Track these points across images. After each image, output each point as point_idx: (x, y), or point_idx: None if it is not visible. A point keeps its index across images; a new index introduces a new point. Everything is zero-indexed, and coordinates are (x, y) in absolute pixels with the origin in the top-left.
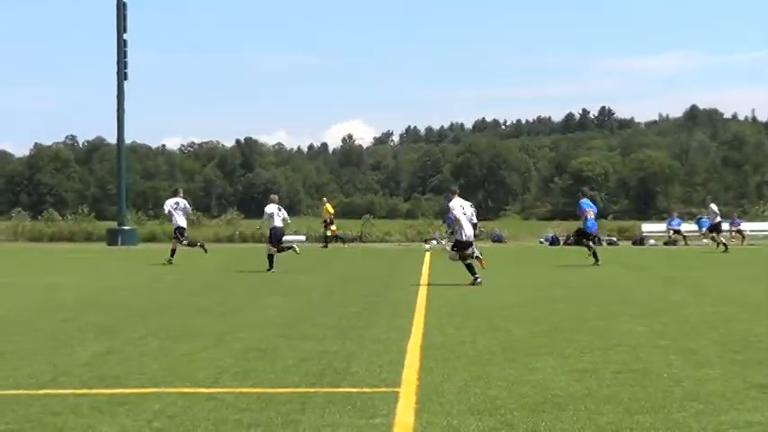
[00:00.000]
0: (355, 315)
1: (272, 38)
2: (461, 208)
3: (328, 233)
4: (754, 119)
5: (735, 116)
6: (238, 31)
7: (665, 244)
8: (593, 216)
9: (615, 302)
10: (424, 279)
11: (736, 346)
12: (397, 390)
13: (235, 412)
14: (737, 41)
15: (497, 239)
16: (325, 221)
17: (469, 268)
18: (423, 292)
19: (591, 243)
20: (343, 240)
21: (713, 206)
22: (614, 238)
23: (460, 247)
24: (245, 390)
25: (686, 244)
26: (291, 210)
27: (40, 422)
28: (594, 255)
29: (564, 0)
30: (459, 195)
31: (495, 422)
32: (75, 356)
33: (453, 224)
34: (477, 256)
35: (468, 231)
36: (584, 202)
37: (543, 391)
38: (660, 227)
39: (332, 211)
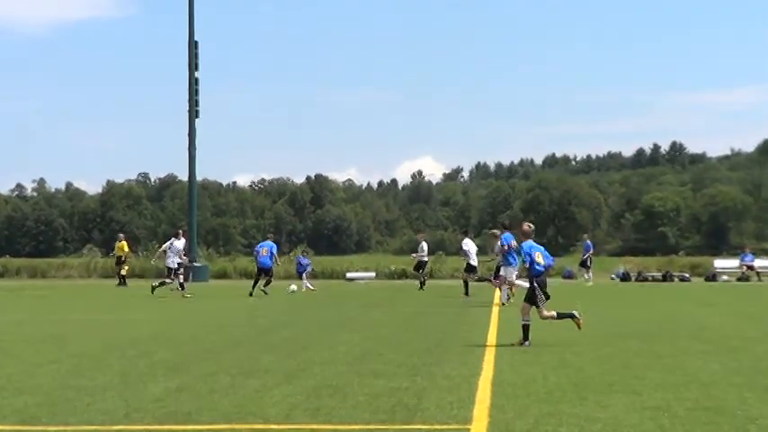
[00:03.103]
0: (425, 351)
1: (343, 74)
2: None
3: (123, 272)
4: None
5: None
6: (309, 67)
7: (738, 280)
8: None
9: (687, 339)
10: (495, 316)
11: None
12: (467, 427)
13: None
14: None
15: (568, 276)
16: (118, 258)
17: None
18: (493, 328)
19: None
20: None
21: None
22: (686, 275)
23: None
24: (315, 426)
25: (759, 280)
26: (361, 245)
27: None
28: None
29: (633, 35)
30: None
31: None
32: (147, 392)
33: None
34: None
35: None
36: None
37: (615, 429)
38: (733, 263)
39: (126, 249)
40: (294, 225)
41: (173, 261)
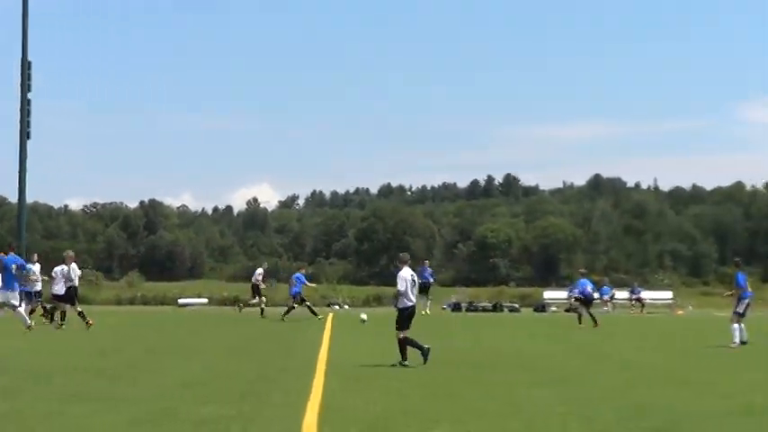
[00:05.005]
0: (255, 378)
1: (178, 98)
2: None
3: None
4: (656, 188)
5: (637, 185)
6: (144, 91)
7: (567, 311)
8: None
9: (514, 368)
10: (326, 343)
11: (633, 413)
12: None
13: None
14: (640, 112)
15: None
16: None
17: None
18: (324, 355)
19: None
20: None
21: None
22: (516, 305)
23: None
24: None
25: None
26: (194, 271)
27: None
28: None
29: (468, 66)
30: None
31: None
32: None
33: None
34: None
35: None
36: None
37: None
38: (562, 294)
39: None
40: (127, 250)
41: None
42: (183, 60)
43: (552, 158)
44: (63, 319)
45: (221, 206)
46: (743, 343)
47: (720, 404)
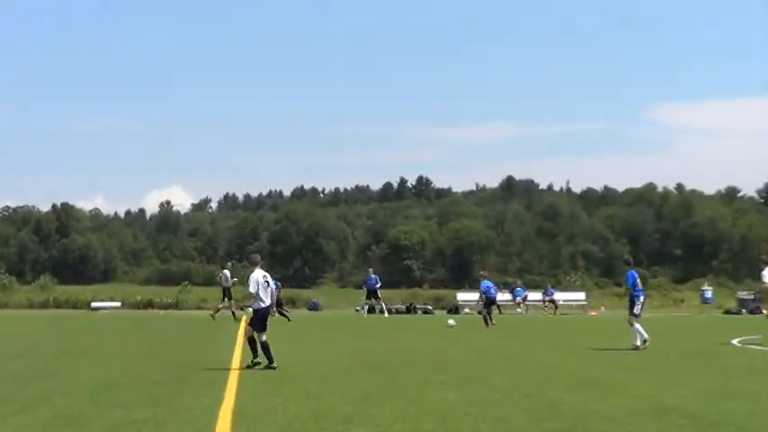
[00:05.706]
0: (168, 382)
1: (91, 101)
2: None
3: None
4: (568, 190)
5: (550, 187)
6: (55, 92)
7: (480, 313)
8: None
9: (428, 370)
10: (240, 346)
11: (545, 414)
12: None
13: None
14: (552, 114)
15: (313, 307)
16: None
17: None
18: (237, 358)
19: None
20: None
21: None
22: (430, 307)
23: None
24: None
25: (500, 312)
26: (107, 275)
27: None
28: None
29: (382, 68)
30: None
31: None
32: None
33: None
34: None
35: None
36: None
37: None
38: (475, 296)
39: None
40: (39, 254)
41: None
42: (93, 62)
43: (465, 160)
44: None
45: (134, 209)
46: (643, 342)
47: (630, 404)
